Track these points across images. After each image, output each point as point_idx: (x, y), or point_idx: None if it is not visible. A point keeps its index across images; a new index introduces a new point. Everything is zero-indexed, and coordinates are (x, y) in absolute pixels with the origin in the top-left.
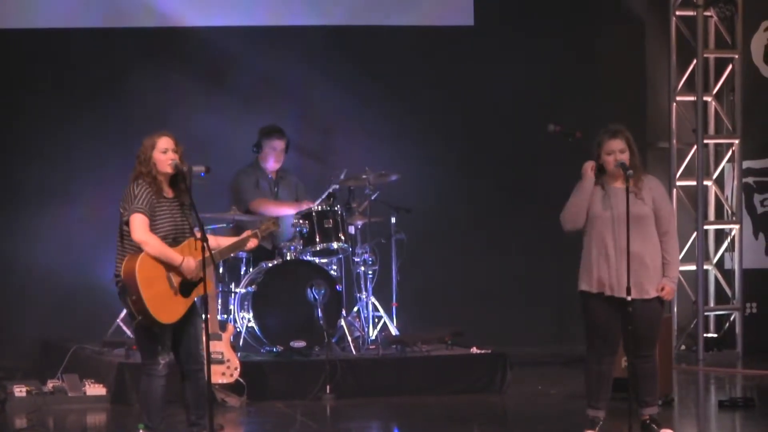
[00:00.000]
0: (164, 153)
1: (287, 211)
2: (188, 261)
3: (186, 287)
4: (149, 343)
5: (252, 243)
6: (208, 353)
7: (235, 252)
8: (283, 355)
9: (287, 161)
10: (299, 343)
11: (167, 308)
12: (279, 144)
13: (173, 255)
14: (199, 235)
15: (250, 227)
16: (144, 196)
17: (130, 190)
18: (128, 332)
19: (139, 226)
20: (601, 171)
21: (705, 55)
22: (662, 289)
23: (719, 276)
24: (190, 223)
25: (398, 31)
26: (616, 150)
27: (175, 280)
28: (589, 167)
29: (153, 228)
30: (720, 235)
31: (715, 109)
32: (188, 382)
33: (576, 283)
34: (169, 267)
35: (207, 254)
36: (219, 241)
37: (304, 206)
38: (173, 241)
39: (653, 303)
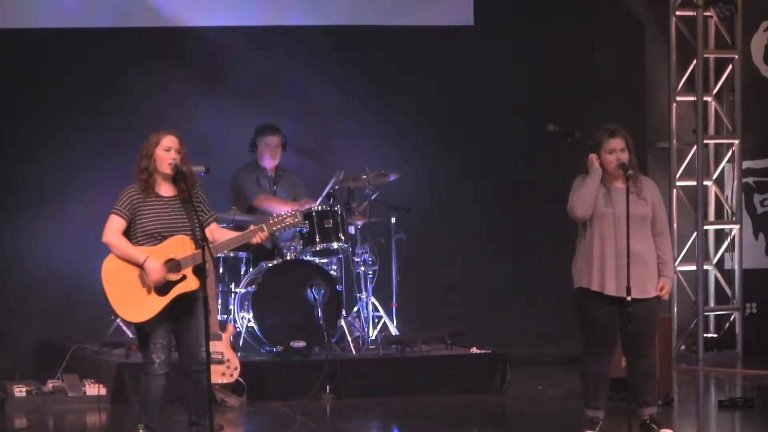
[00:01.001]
0: (167, 151)
1: (220, 246)
2: (151, 261)
3: (163, 285)
4: (143, 342)
5: (258, 237)
6: (208, 353)
7: (234, 246)
8: (283, 355)
9: (287, 161)
10: (299, 343)
11: (137, 308)
12: (272, 140)
13: (136, 255)
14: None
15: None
16: (126, 198)
17: (121, 191)
18: (128, 332)
19: (109, 227)
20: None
21: (705, 55)
22: (662, 288)
23: (719, 276)
24: (191, 221)
25: (398, 31)
26: (617, 149)
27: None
28: (595, 159)
29: (136, 227)
30: (720, 235)
31: (715, 109)
32: (189, 382)
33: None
34: (141, 266)
35: (204, 255)
36: (215, 235)
37: (307, 205)
38: (162, 238)
39: (652, 302)
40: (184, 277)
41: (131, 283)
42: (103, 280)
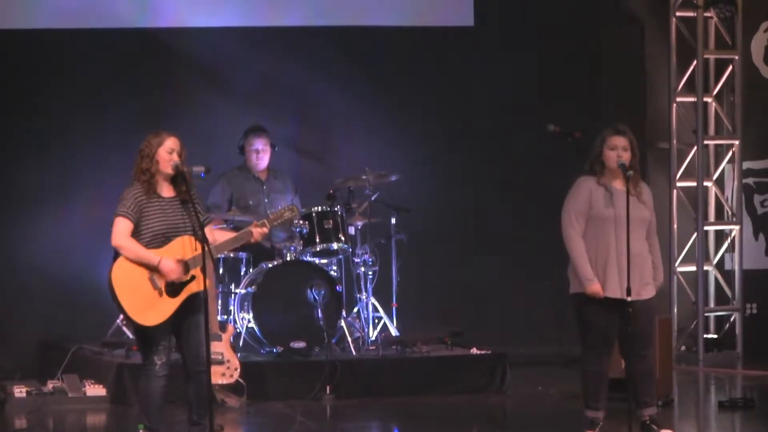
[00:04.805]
0: (170, 153)
1: (222, 246)
2: (166, 261)
3: (174, 287)
4: (145, 344)
5: (258, 232)
6: (209, 354)
7: (236, 245)
8: (283, 355)
9: (287, 161)
10: (299, 344)
11: (150, 311)
12: (258, 142)
13: (150, 257)
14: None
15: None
16: (131, 199)
17: (124, 192)
18: (128, 333)
19: (118, 230)
20: (602, 166)
21: (705, 56)
22: None
23: (719, 277)
24: (192, 222)
25: (398, 31)
26: (619, 147)
27: (160, 281)
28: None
29: (142, 228)
30: (720, 236)
31: (715, 110)
32: (191, 382)
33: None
34: (153, 268)
35: (205, 255)
36: (215, 236)
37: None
38: (166, 239)
39: (652, 302)
40: (193, 278)
41: (143, 286)
42: (114, 285)
